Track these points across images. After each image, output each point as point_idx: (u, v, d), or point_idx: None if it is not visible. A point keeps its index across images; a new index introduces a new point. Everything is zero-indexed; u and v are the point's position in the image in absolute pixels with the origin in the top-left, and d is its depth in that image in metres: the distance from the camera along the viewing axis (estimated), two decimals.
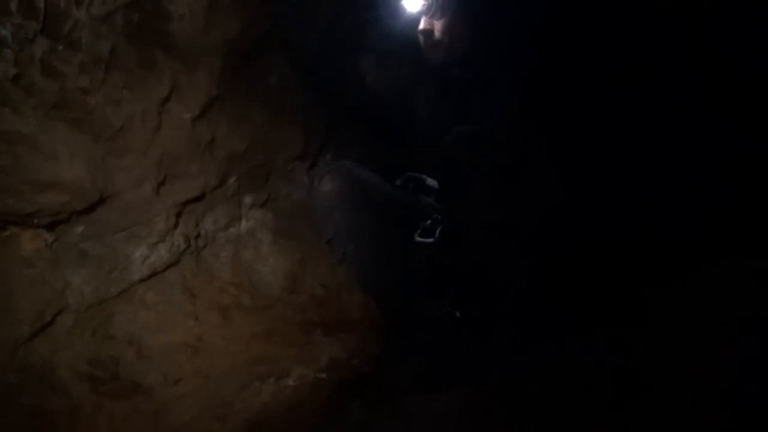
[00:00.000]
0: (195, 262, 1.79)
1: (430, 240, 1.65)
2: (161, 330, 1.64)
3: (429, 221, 1.68)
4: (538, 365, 1.32)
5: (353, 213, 1.53)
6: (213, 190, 1.82)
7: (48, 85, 1.39)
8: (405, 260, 1.59)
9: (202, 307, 1.73)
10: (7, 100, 1.33)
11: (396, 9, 1.67)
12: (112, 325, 1.61)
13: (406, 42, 1.78)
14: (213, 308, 1.74)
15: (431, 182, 1.74)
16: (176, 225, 1.74)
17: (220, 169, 1.82)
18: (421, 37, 1.60)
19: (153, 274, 1.69)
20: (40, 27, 1.32)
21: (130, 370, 1.55)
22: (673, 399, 1.07)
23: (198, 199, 1.78)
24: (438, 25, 1.58)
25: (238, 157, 1.87)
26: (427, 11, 1.58)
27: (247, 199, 1.94)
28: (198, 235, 1.81)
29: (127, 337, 1.61)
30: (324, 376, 1.62)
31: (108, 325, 1.59)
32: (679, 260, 1.48)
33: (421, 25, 1.59)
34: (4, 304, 1.42)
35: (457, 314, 1.60)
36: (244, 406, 1.53)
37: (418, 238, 1.65)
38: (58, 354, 1.49)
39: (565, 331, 1.39)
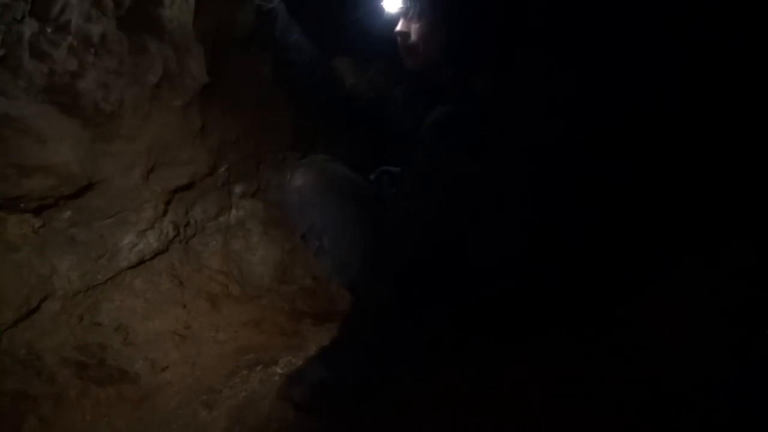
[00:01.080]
0: (184, 250, 1.78)
1: None
2: (149, 317, 1.64)
3: None
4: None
5: (326, 206, 1.50)
6: (203, 179, 1.81)
7: (36, 68, 1.37)
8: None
9: (191, 295, 1.72)
10: None
11: (375, 10, 1.65)
12: (99, 312, 1.60)
13: (382, 43, 1.78)
14: (201, 297, 1.74)
15: None
16: (165, 213, 1.73)
17: (211, 158, 1.81)
18: (398, 39, 1.56)
19: (141, 262, 1.68)
20: (29, 8, 1.30)
21: (116, 357, 1.54)
22: None
23: (188, 187, 1.78)
24: (415, 29, 1.54)
25: (229, 146, 1.86)
26: (405, 13, 1.54)
27: (238, 189, 1.93)
28: (187, 224, 1.80)
29: (114, 324, 1.60)
30: None
31: (95, 311, 1.59)
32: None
33: (398, 27, 1.54)
34: None
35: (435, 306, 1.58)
36: (232, 393, 1.52)
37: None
38: (44, 340, 1.48)
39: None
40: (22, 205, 1.47)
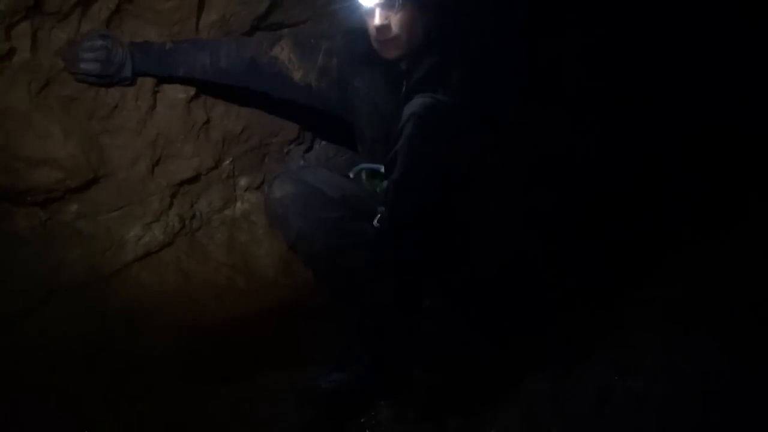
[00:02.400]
0: (189, 243, 1.79)
1: None
2: (155, 310, 1.64)
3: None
4: None
5: (309, 213, 1.47)
6: (208, 172, 1.82)
7: (41, 62, 1.39)
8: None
9: (197, 287, 1.73)
10: (0, 76, 1.33)
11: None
12: (106, 304, 1.61)
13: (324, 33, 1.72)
14: (207, 289, 1.75)
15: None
16: (171, 205, 1.74)
17: (216, 151, 1.82)
18: (373, 32, 1.46)
19: (147, 254, 1.69)
20: (34, 2, 1.31)
21: (123, 349, 1.55)
22: None
23: (193, 180, 1.78)
24: (395, 20, 1.45)
25: (234, 139, 1.87)
26: (385, 4, 1.44)
27: (243, 182, 1.94)
28: (193, 216, 1.81)
29: (121, 317, 1.61)
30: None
31: (101, 304, 1.60)
32: None
33: (377, 20, 1.43)
34: None
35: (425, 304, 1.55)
36: None
37: (377, 224, 1.56)
38: (51, 332, 1.49)
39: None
40: (29, 198, 1.48)
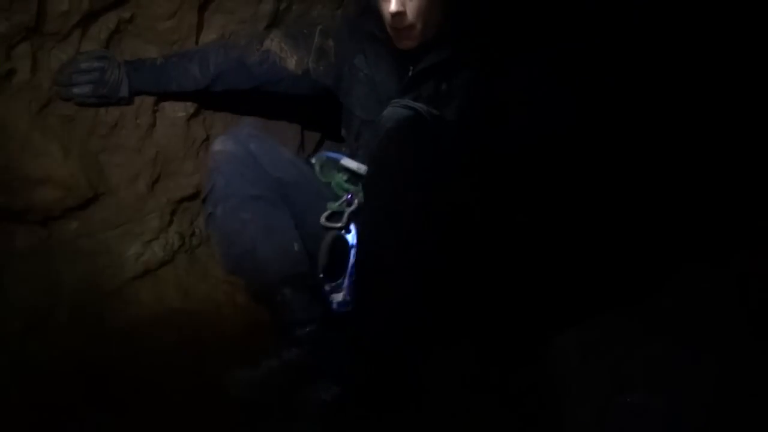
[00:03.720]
0: (189, 260, 1.79)
1: (338, 225, 1.55)
2: (155, 326, 1.64)
3: (338, 203, 1.57)
4: None
5: (234, 178, 1.46)
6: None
7: (41, 82, 1.40)
8: (288, 242, 1.50)
9: (197, 304, 1.73)
10: (0, 96, 1.34)
11: None
12: (106, 322, 1.61)
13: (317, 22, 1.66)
14: (207, 306, 1.74)
15: (349, 163, 1.56)
16: (171, 223, 1.74)
17: None
18: (388, 18, 1.41)
19: (147, 272, 1.69)
20: (34, 23, 1.33)
21: (123, 367, 1.55)
22: None
23: (193, 197, 1.79)
24: (411, 6, 1.40)
25: None
26: None
27: None
28: (193, 233, 1.81)
29: (121, 334, 1.61)
30: None
31: (101, 322, 1.60)
32: None
33: (392, 7, 1.37)
34: None
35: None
36: None
37: (325, 222, 1.55)
38: (52, 349, 1.49)
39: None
40: (29, 216, 1.49)
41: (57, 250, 1.55)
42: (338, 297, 1.48)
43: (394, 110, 1.35)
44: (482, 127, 1.47)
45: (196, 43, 1.67)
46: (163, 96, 1.64)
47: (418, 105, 1.36)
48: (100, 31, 1.49)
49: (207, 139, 1.78)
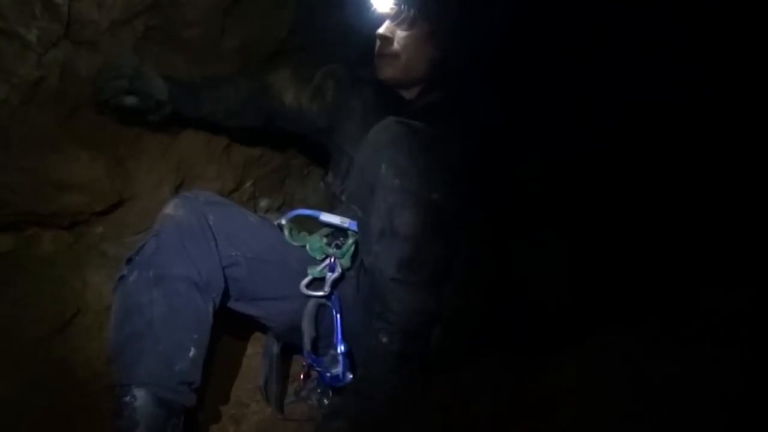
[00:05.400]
0: None
1: (320, 293, 1.39)
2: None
3: (319, 268, 1.42)
4: None
5: (167, 249, 1.30)
6: (230, 193, 1.84)
7: (69, 89, 1.42)
8: (184, 342, 1.32)
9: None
10: (31, 102, 1.36)
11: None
12: None
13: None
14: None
15: (329, 218, 1.45)
16: None
17: (237, 173, 1.85)
18: (377, 42, 1.40)
19: None
20: (64, 31, 1.35)
21: None
22: None
23: None
24: (401, 36, 1.38)
25: (255, 161, 1.90)
26: (394, 16, 1.37)
27: (263, 203, 1.96)
28: None
29: None
30: None
31: None
32: None
33: (380, 29, 1.36)
34: (25, 303, 1.45)
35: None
36: (258, 408, 1.54)
37: (305, 290, 1.39)
38: (77, 353, 1.50)
39: None
40: (56, 221, 1.51)
41: (83, 255, 1.57)
42: (335, 371, 1.33)
43: (382, 123, 1.28)
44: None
45: (219, 49, 1.68)
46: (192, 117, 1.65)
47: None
48: (126, 38, 1.51)
49: (229, 145, 1.80)
